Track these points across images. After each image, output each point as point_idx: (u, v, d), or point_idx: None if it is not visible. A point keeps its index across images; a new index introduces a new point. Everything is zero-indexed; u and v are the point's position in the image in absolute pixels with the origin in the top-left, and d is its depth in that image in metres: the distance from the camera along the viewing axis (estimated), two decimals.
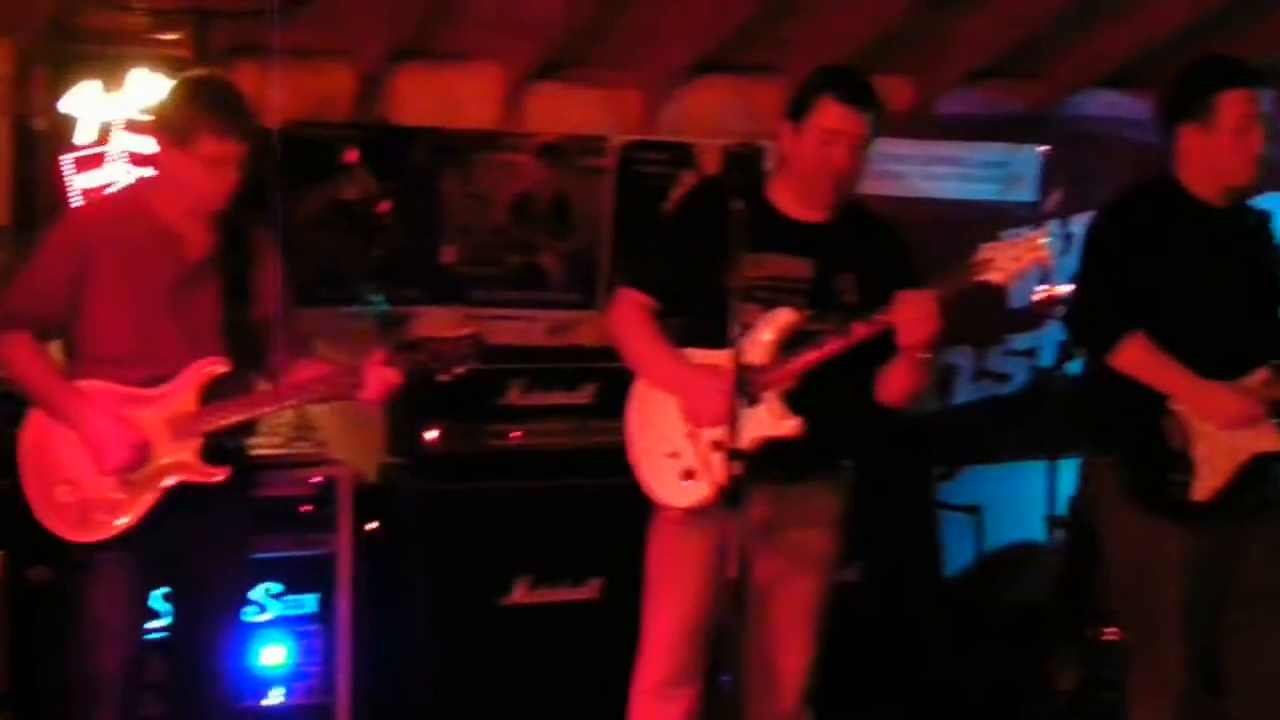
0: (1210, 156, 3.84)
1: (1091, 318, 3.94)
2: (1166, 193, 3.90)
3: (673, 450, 3.71)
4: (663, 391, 3.76)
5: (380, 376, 3.67)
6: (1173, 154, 3.91)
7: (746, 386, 3.51)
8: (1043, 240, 3.47)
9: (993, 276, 3.47)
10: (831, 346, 3.57)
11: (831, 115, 3.63)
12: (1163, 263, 3.81)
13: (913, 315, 3.51)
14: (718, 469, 3.42)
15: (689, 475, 3.65)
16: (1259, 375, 3.80)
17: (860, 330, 3.57)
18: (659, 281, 3.85)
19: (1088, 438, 4.02)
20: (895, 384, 3.69)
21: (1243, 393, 3.78)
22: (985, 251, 3.48)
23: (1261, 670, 3.90)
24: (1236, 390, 3.77)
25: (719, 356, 3.53)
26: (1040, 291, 5.57)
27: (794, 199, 3.74)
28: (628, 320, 3.87)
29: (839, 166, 3.64)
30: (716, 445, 3.45)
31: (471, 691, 4.78)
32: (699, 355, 3.72)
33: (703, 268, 3.66)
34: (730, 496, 3.29)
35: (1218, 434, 3.77)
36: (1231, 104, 3.81)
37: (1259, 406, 3.78)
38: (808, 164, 3.68)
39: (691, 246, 3.74)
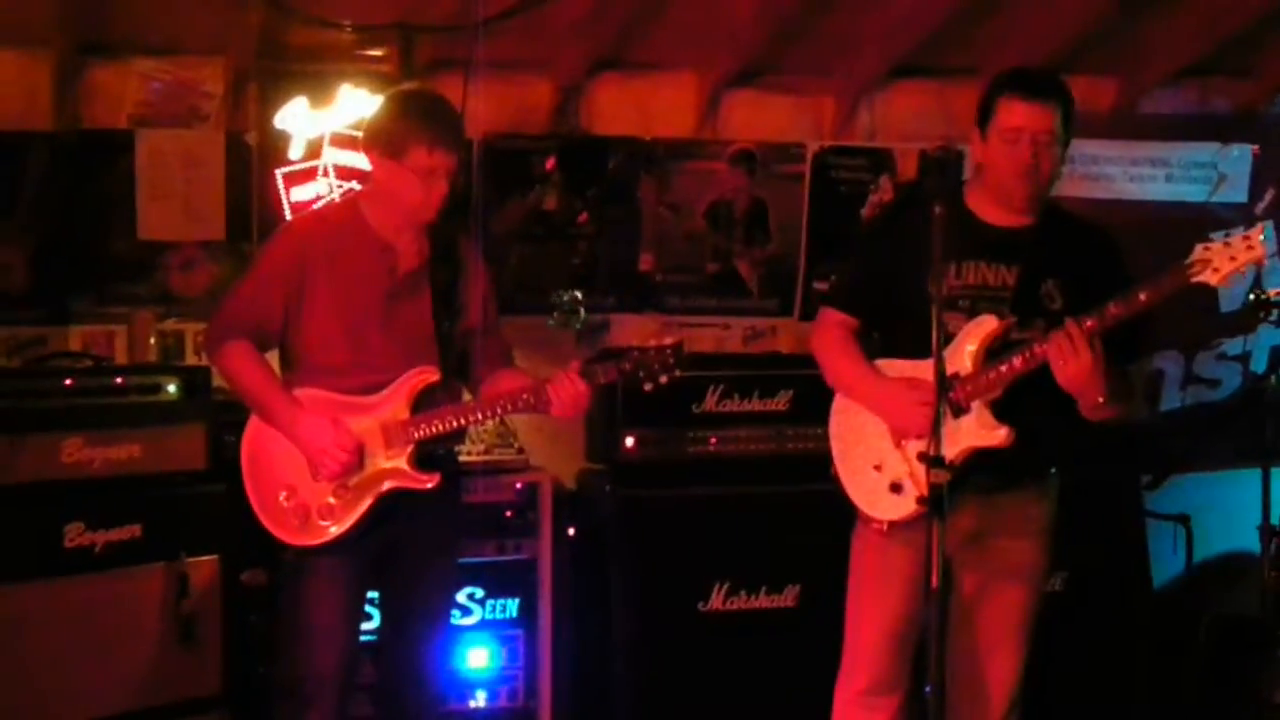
0: None
1: None
2: None
3: (878, 463, 3.70)
4: (866, 408, 3.74)
5: (565, 394, 3.70)
6: None
7: (951, 396, 3.48)
8: (1259, 238, 3.36)
9: (1208, 277, 3.37)
10: (1039, 355, 3.51)
11: (1013, 113, 3.57)
12: None
13: (1058, 354, 3.44)
14: (924, 480, 3.38)
15: (896, 488, 3.63)
16: None
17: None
18: (859, 299, 3.84)
19: None
20: (1085, 410, 3.60)
21: None
22: (1200, 252, 3.38)
23: None
24: None
25: (920, 367, 3.50)
26: (1253, 295, 5.43)
27: (992, 205, 3.69)
28: (829, 340, 3.86)
29: (1027, 164, 3.57)
30: (922, 456, 3.41)
31: (670, 697, 4.80)
32: (901, 366, 3.70)
33: (904, 278, 3.63)
34: (934, 505, 3.24)
35: None
36: None
37: None
38: (999, 168, 3.62)
39: (892, 257, 3.72)
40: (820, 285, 5.38)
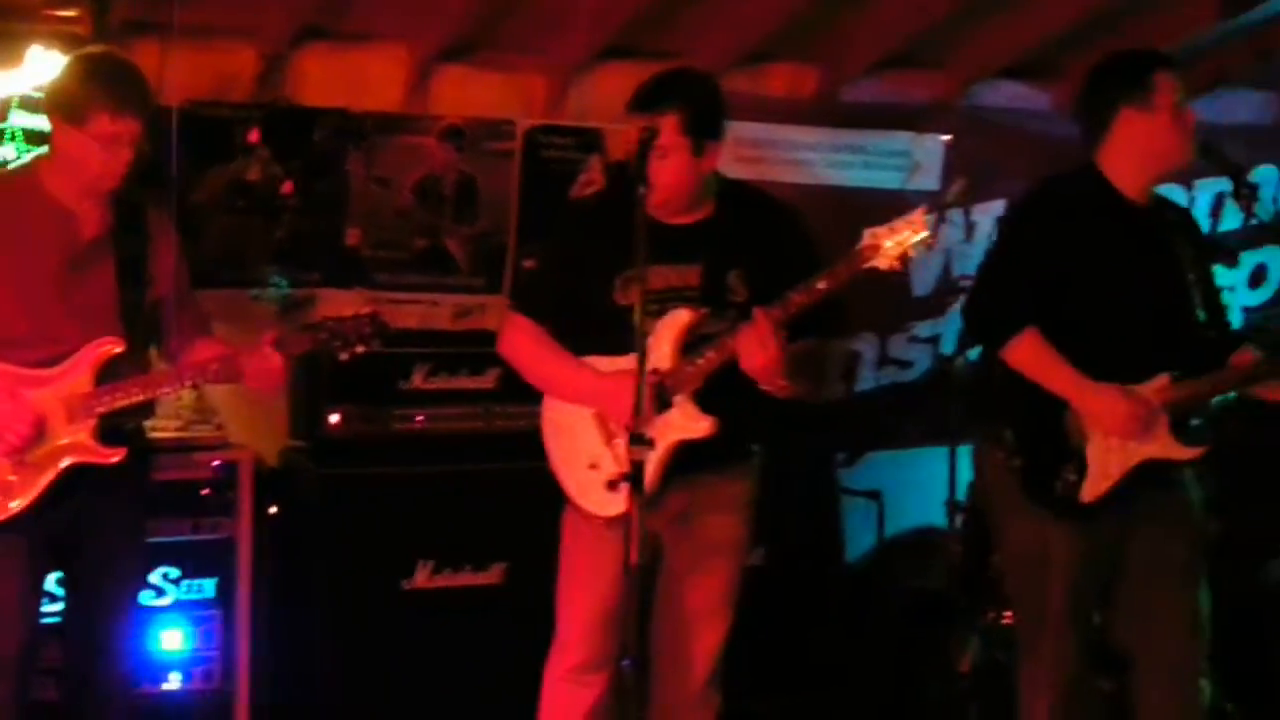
0: (1152, 138, 3.81)
1: (988, 310, 3.93)
2: (1088, 185, 3.89)
3: (593, 461, 3.72)
4: (578, 404, 3.75)
5: (260, 365, 3.62)
6: (1105, 142, 3.87)
7: (657, 389, 3.52)
8: (923, 220, 3.46)
9: (878, 262, 3.46)
10: (730, 348, 3.56)
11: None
12: (1074, 259, 3.80)
13: (747, 345, 3.50)
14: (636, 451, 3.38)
15: (611, 485, 3.65)
16: (1159, 381, 3.80)
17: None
18: (547, 303, 3.84)
19: (984, 426, 4.02)
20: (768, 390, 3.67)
21: (1137, 398, 3.76)
22: (868, 238, 3.48)
23: (1162, 649, 3.95)
24: (1131, 395, 3.76)
25: (623, 362, 3.52)
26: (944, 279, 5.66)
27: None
28: (523, 345, 3.86)
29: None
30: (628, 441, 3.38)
31: (374, 676, 4.76)
32: (602, 363, 3.71)
33: (595, 284, 3.68)
34: (635, 481, 3.27)
35: (1112, 436, 3.79)
36: (1168, 81, 3.82)
37: (1153, 413, 3.77)
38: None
39: (585, 264, 3.74)
40: (530, 264, 5.37)
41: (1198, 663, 3.97)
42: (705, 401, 3.63)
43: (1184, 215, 4.10)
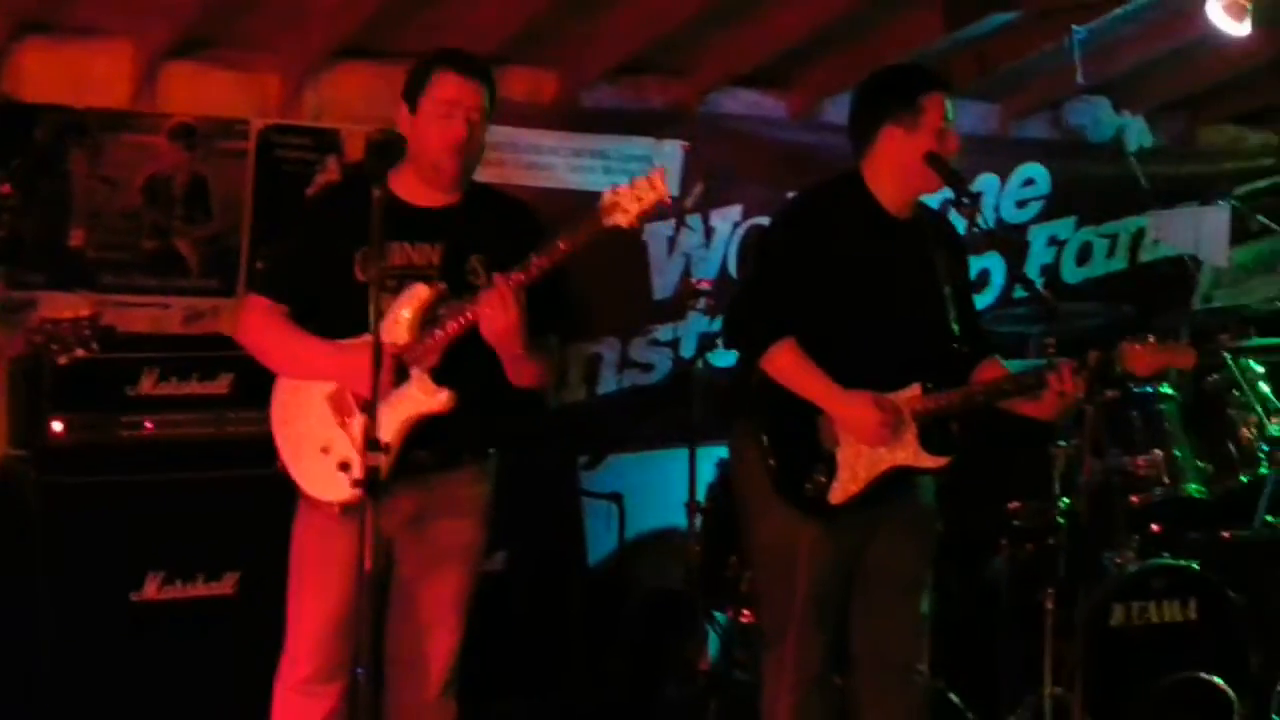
0: (913, 158, 3.92)
1: (746, 319, 4.01)
2: (849, 196, 3.99)
3: (324, 445, 3.69)
4: (319, 379, 3.71)
5: None
6: (869, 154, 3.98)
7: (396, 363, 3.55)
8: (660, 180, 3.53)
9: (619, 219, 3.52)
10: (471, 317, 3.59)
11: (448, 86, 3.70)
12: (831, 268, 3.89)
13: (489, 309, 3.55)
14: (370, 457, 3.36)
15: (345, 467, 3.60)
16: (911, 390, 3.92)
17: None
18: (289, 285, 3.81)
19: (740, 424, 4.08)
20: (510, 371, 3.72)
21: (889, 406, 3.87)
22: (609, 197, 3.54)
23: (885, 649, 4.08)
24: (882, 403, 3.86)
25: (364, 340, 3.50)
26: (684, 282, 5.73)
27: (416, 185, 3.75)
28: (259, 325, 3.83)
29: (459, 138, 3.68)
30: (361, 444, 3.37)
31: (101, 693, 4.60)
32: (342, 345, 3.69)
33: (335, 263, 3.67)
34: (370, 487, 3.24)
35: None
36: (937, 103, 3.94)
37: (902, 421, 3.89)
38: (429, 141, 3.69)
39: (324, 243, 3.73)
40: (261, 266, 5.28)
41: (916, 663, 4.12)
42: (442, 382, 3.65)
43: (946, 227, 4.21)
